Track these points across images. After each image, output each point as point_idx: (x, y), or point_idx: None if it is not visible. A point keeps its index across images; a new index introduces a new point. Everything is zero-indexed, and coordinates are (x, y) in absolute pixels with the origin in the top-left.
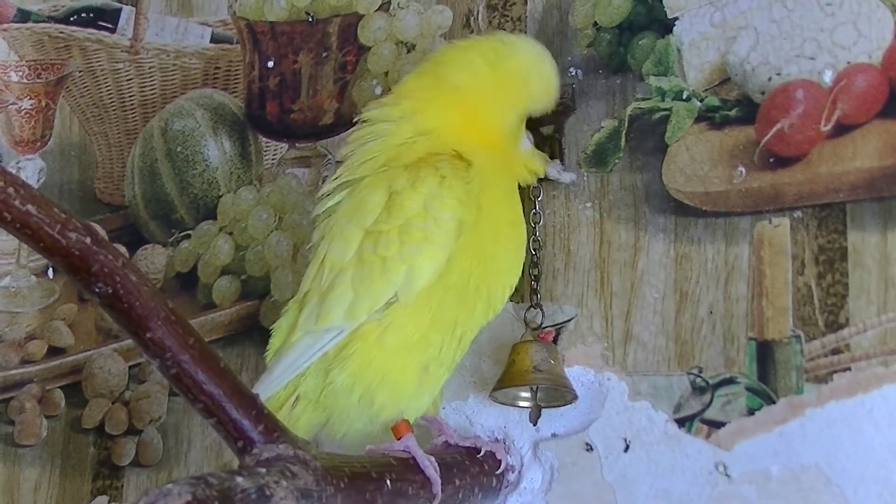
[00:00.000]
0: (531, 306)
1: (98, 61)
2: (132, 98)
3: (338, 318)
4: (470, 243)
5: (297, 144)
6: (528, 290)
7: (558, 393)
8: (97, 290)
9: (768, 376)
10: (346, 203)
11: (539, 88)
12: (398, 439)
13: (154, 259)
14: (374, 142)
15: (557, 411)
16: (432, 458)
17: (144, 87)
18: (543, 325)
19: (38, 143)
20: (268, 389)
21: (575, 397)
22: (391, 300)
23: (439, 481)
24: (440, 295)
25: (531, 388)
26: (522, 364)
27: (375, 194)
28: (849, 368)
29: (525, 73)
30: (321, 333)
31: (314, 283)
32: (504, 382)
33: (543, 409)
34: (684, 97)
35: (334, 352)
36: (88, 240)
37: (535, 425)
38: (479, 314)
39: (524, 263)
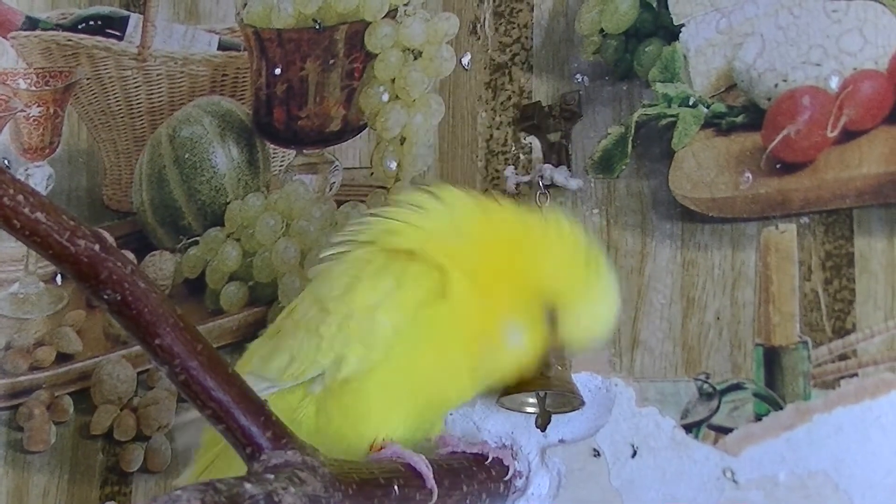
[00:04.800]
0: None
1: (106, 69)
2: (140, 105)
3: (272, 372)
4: (402, 358)
5: (304, 151)
6: None
7: (566, 399)
8: (106, 296)
9: (775, 382)
10: (334, 267)
11: (577, 322)
12: (378, 450)
13: (162, 265)
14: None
15: (564, 417)
16: (422, 455)
17: (152, 94)
18: None
19: (47, 151)
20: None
21: (582, 403)
22: (321, 376)
23: (431, 475)
24: (366, 393)
25: (538, 394)
26: None
27: (346, 274)
28: (856, 374)
29: (574, 299)
30: (259, 379)
31: (283, 323)
32: (511, 388)
33: (551, 416)
34: (691, 103)
35: (286, 412)
36: (97, 247)
37: (543, 431)
38: (410, 422)
39: None
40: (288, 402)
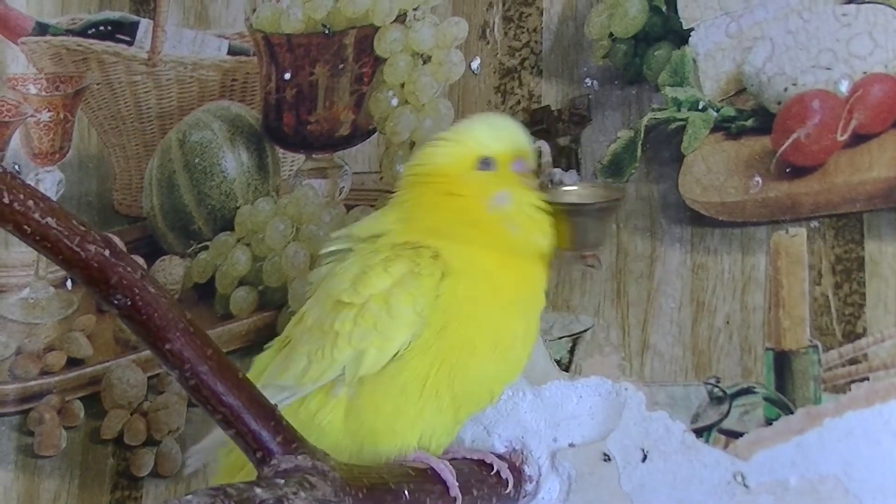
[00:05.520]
0: None
1: (116, 74)
2: (150, 110)
3: (289, 379)
4: (430, 346)
5: (313, 155)
6: None
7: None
8: (116, 301)
9: (786, 386)
10: (339, 268)
11: (486, 132)
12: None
13: (172, 270)
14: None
15: (575, 421)
16: (447, 462)
17: (162, 99)
18: (560, 336)
19: (57, 156)
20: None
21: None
22: (339, 377)
23: (456, 483)
24: (399, 388)
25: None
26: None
27: (354, 265)
28: (866, 378)
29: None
30: (279, 389)
31: (293, 332)
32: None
33: (561, 420)
34: (700, 107)
35: (306, 418)
36: (107, 252)
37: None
38: (447, 414)
39: None
40: (308, 409)
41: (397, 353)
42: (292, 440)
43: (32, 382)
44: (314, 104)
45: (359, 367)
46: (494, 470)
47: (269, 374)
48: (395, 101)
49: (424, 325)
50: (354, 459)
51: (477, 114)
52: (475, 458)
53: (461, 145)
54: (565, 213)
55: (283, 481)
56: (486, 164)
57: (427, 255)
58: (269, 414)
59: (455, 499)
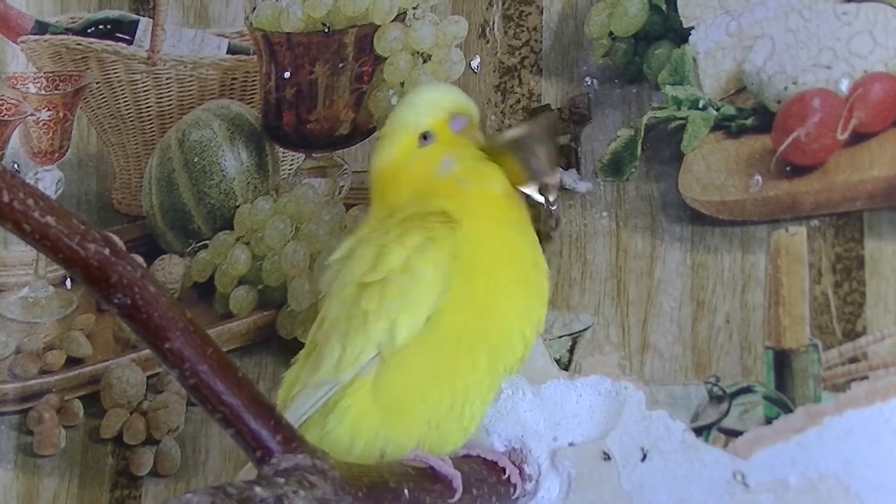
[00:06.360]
0: None
1: (115, 73)
2: (149, 109)
3: (327, 372)
4: (460, 301)
5: (313, 154)
6: None
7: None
8: (116, 300)
9: (786, 385)
10: (349, 259)
11: (413, 103)
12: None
13: (171, 269)
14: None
15: (575, 420)
16: (446, 458)
17: (161, 98)
18: (559, 335)
19: (56, 154)
20: None
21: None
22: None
23: (459, 475)
24: (430, 351)
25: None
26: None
27: (368, 248)
28: (866, 377)
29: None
30: (317, 387)
31: (316, 337)
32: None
33: (561, 419)
34: (700, 106)
35: (331, 404)
36: (107, 251)
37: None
38: (482, 373)
39: None
40: (333, 397)
41: (428, 318)
42: (292, 439)
43: (32, 381)
44: (314, 103)
45: (394, 339)
46: (506, 475)
47: (303, 377)
48: (395, 100)
49: (449, 283)
50: (374, 443)
51: (407, 95)
52: (490, 458)
53: (399, 132)
54: (508, 152)
55: (283, 480)
56: (425, 138)
57: (435, 221)
58: (268, 413)
59: (455, 490)
